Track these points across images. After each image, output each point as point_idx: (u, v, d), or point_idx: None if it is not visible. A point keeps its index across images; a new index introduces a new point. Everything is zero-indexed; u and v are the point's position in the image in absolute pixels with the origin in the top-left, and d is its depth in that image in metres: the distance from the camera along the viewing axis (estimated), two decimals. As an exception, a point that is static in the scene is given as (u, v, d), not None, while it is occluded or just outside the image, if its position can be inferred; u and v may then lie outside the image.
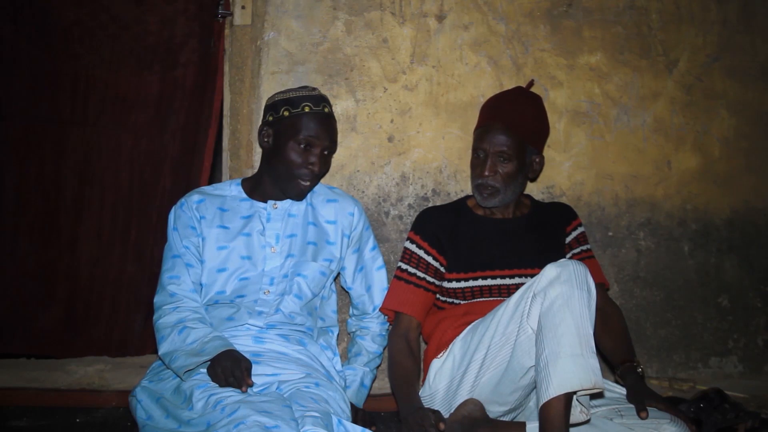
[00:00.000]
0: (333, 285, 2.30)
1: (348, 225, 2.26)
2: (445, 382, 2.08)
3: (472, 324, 2.08)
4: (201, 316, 2.04)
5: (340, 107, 2.60)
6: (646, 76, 2.81)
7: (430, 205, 2.62)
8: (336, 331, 2.27)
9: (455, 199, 2.48)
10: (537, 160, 2.25)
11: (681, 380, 2.73)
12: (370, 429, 1.95)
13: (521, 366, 1.90)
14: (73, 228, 2.92)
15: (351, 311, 2.37)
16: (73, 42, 2.87)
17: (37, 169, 2.90)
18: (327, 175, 2.48)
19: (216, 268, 2.11)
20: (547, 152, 2.60)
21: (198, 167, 2.82)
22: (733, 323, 2.87)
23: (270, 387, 1.93)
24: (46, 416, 2.31)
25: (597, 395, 1.90)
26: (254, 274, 2.12)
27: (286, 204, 2.21)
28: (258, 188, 2.22)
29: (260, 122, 2.26)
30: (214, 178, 3.19)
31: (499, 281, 2.18)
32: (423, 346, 2.38)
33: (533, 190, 2.70)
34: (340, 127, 2.39)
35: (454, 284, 2.20)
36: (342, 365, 2.22)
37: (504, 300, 2.00)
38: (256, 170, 2.35)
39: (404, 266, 2.23)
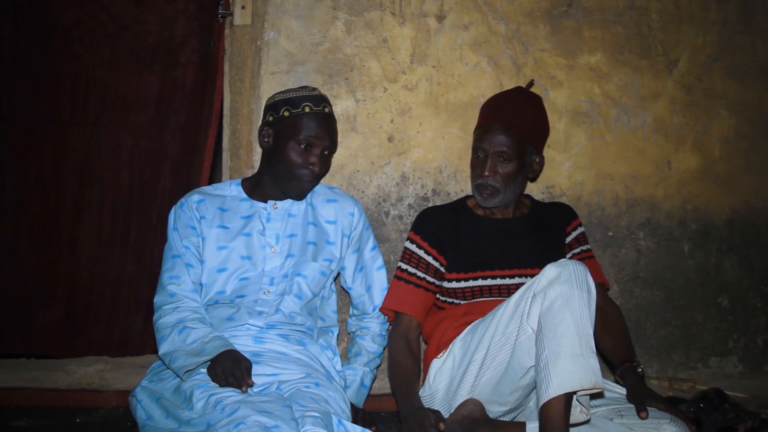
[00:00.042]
0: (333, 285, 2.30)
1: (348, 225, 2.26)
2: (445, 382, 2.08)
3: (472, 324, 2.08)
4: (201, 316, 2.04)
5: (340, 107, 2.60)
6: (646, 76, 2.81)
7: (430, 205, 2.62)
8: (336, 331, 2.27)
9: (455, 199, 2.48)
10: (537, 160, 2.25)
11: (681, 380, 2.73)
12: (370, 429, 1.96)
13: (521, 366, 1.90)
14: (73, 228, 2.92)
15: (351, 311, 2.37)
16: (73, 42, 2.87)
17: (37, 169, 2.90)
18: (327, 175, 2.48)
19: (216, 268, 2.11)
20: (547, 152, 2.60)
21: (198, 167, 2.82)
22: (733, 323, 2.87)
23: (270, 387, 1.93)
24: (46, 416, 2.31)
25: (597, 395, 1.90)
26: (254, 274, 2.12)
27: (286, 204, 2.21)
28: (258, 188, 2.21)
29: (260, 122, 2.26)
30: (214, 178, 3.18)
31: (499, 281, 2.18)
32: (423, 346, 2.38)
33: (533, 190, 2.70)
34: (340, 127, 2.39)
35: (454, 284, 2.20)
36: (342, 365, 2.22)
37: (504, 300, 2.00)
38: (256, 170, 2.35)
39: (404, 266, 2.23)
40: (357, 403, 2.22)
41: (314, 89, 2.20)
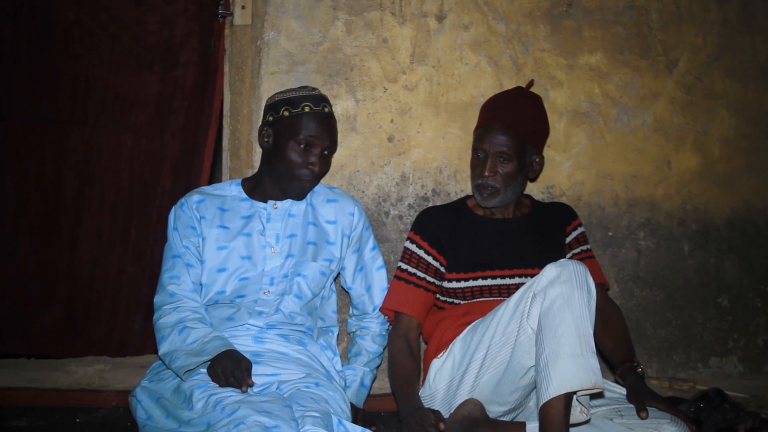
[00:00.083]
0: (333, 285, 2.30)
1: (348, 225, 2.26)
2: (445, 382, 2.08)
3: (472, 324, 2.08)
4: (201, 316, 2.04)
5: (340, 107, 2.60)
6: (646, 76, 2.81)
7: (430, 205, 2.62)
8: (336, 331, 2.27)
9: (455, 199, 2.48)
10: (537, 160, 2.25)
11: (681, 380, 2.73)
12: (370, 429, 1.95)
13: (521, 366, 1.90)
14: (73, 228, 2.91)
15: (351, 311, 2.37)
16: (73, 42, 2.87)
17: (37, 169, 2.90)
18: (327, 175, 2.48)
19: (216, 268, 2.11)
20: (547, 152, 2.60)
21: (198, 167, 2.82)
22: (733, 323, 2.87)
23: (270, 387, 1.93)
24: (46, 416, 2.31)
25: (597, 395, 1.90)
26: (254, 274, 2.12)
27: (286, 204, 2.21)
28: (258, 188, 2.21)
29: (260, 122, 2.25)
30: (214, 178, 3.18)
31: (499, 281, 2.18)
32: (423, 346, 2.38)
33: (533, 190, 2.70)
34: (340, 127, 2.39)
35: (454, 284, 2.20)
36: (342, 365, 2.22)
37: (504, 300, 2.00)
38: (256, 170, 2.35)
39: (404, 266, 2.23)
40: (357, 403, 2.22)
41: (314, 89, 2.20)
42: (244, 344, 2.03)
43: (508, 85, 2.64)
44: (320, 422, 1.70)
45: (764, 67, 2.92)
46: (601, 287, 2.24)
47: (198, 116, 2.86)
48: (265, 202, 2.20)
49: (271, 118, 2.17)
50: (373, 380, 2.32)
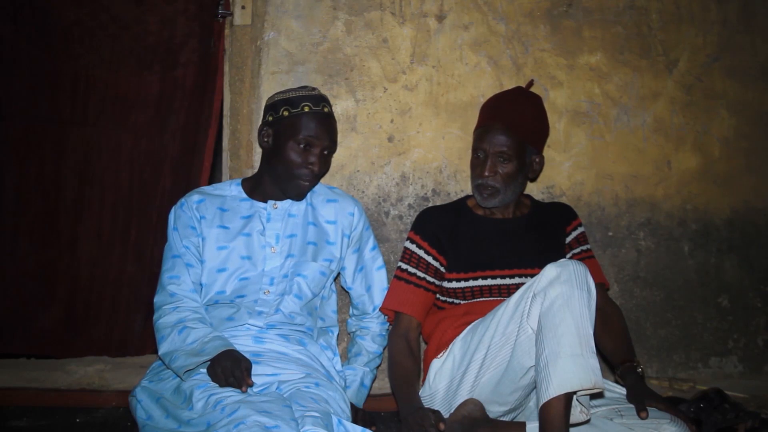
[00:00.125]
0: (333, 285, 2.30)
1: (348, 225, 2.26)
2: (445, 382, 2.08)
3: (472, 324, 2.08)
4: (201, 316, 2.04)
5: (340, 107, 2.60)
6: (646, 76, 2.81)
7: (430, 205, 2.62)
8: (336, 331, 2.27)
9: (455, 199, 2.48)
10: (537, 160, 2.25)
11: (681, 380, 2.73)
12: (370, 429, 1.95)
13: (521, 366, 1.90)
14: (73, 228, 2.92)
15: (351, 311, 2.37)
16: (73, 42, 2.87)
17: (37, 169, 2.90)
18: (327, 175, 2.48)
19: (216, 268, 2.11)
20: (547, 152, 2.60)
21: (198, 167, 2.82)
22: (733, 323, 2.87)
23: (270, 387, 1.93)
24: (46, 416, 2.31)
25: (597, 395, 1.90)
26: (254, 274, 2.12)
27: (286, 204, 2.21)
28: (258, 188, 2.21)
29: (260, 122, 2.25)
30: (214, 178, 3.18)
31: (499, 281, 2.18)
32: (423, 346, 2.38)
33: (533, 190, 2.70)
34: (340, 127, 2.39)
35: (454, 284, 2.20)
36: (342, 365, 2.22)
37: (504, 300, 2.00)
38: (256, 170, 2.35)
39: (404, 266, 2.23)
40: (357, 403, 2.22)
41: (314, 89, 2.20)
42: (244, 344, 2.03)
43: (508, 85, 2.64)
44: (320, 422, 1.70)
45: (764, 67, 2.92)
46: (601, 287, 2.24)
47: (198, 116, 2.86)
48: (265, 202, 2.20)
49: (270, 118, 2.17)
50: (373, 380, 2.32)
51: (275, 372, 1.96)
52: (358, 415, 2.14)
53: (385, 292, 2.28)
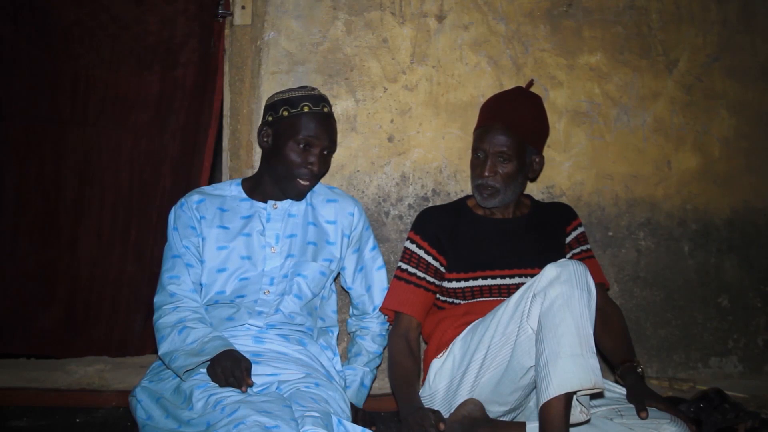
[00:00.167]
0: (333, 285, 2.30)
1: (348, 225, 2.26)
2: (445, 382, 2.08)
3: (472, 324, 2.08)
4: (201, 316, 2.04)
5: (340, 107, 2.60)
6: (646, 76, 2.81)
7: (430, 205, 2.62)
8: (336, 331, 2.27)
9: (455, 199, 2.48)
10: (537, 160, 2.25)
11: (681, 380, 2.73)
12: (370, 429, 1.95)
13: (521, 366, 1.90)
14: (73, 228, 2.91)
15: (351, 311, 2.37)
16: (73, 42, 2.87)
17: (37, 169, 2.90)
18: (327, 175, 2.48)
19: (216, 268, 2.11)
20: (547, 152, 2.60)
21: (198, 167, 2.82)
22: (733, 323, 2.87)
23: (270, 387, 1.93)
24: (46, 416, 2.31)
25: (597, 395, 1.90)
26: (254, 274, 2.12)
27: (286, 204, 2.20)
28: (258, 188, 2.21)
29: (260, 122, 2.25)
30: (214, 178, 3.18)
31: (499, 281, 2.18)
32: (423, 346, 2.38)
33: (533, 190, 2.70)
34: (340, 127, 2.39)
35: (454, 284, 2.20)
36: (342, 365, 2.22)
37: (504, 300, 2.00)
38: (256, 170, 2.35)
39: (404, 266, 2.23)
40: (357, 403, 2.22)
41: (313, 89, 2.20)
42: (244, 344, 2.03)
43: (508, 85, 2.64)
44: (320, 422, 1.70)
45: (764, 67, 2.92)
46: (601, 287, 2.24)
47: (198, 116, 2.86)
48: (265, 202, 2.20)
49: (270, 118, 2.17)
50: (373, 380, 2.32)
51: (275, 372, 1.96)
52: (358, 415, 2.14)
53: (385, 292, 2.28)
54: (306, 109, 2.13)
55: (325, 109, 2.16)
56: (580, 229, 2.32)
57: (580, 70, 2.76)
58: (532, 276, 2.07)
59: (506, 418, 2.06)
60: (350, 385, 2.22)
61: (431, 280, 2.21)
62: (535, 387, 1.81)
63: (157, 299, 2.09)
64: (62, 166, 2.91)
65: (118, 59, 2.89)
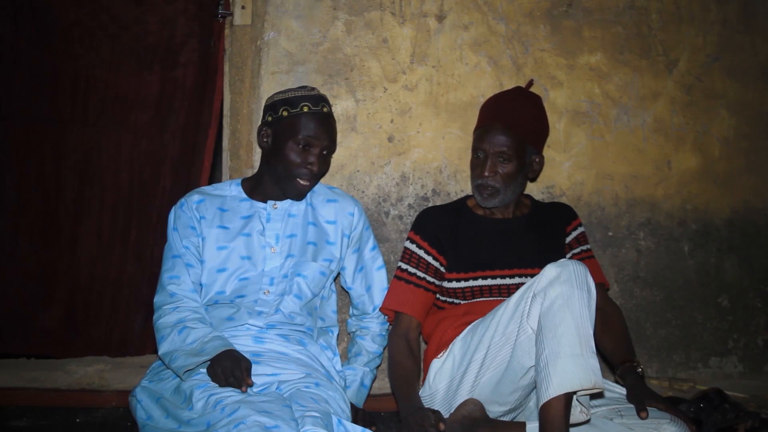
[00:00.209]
0: (333, 285, 2.30)
1: (348, 225, 2.26)
2: (445, 382, 2.08)
3: (472, 324, 2.08)
4: (201, 316, 2.04)
5: (340, 107, 2.60)
6: (646, 76, 2.81)
7: (430, 205, 2.62)
8: (336, 331, 2.27)
9: (455, 199, 2.48)
10: (537, 160, 2.25)
11: (681, 380, 2.73)
12: (370, 429, 1.95)
13: (521, 366, 1.90)
14: (73, 228, 2.91)
15: (351, 311, 2.37)
16: (73, 42, 2.87)
17: (37, 169, 2.90)
18: (327, 175, 2.48)
19: (216, 268, 2.11)
20: (547, 152, 2.60)
21: (198, 167, 2.82)
22: (733, 323, 2.87)
23: (270, 387, 1.93)
24: (46, 416, 2.31)
25: (597, 395, 1.90)
26: (254, 274, 2.12)
27: (286, 204, 2.20)
28: (258, 188, 2.21)
29: (260, 122, 2.25)
30: (214, 178, 3.18)
31: (499, 281, 2.18)
32: (423, 346, 2.38)
33: (533, 190, 2.70)
34: (340, 127, 2.39)
35: (454, 284, 2.20)
36: (342, 365, 2.22)
37: (504, 300, 2.00)
38: (256, 170, 2.35)
39: (404, 266, 2.23)
40: (357, 403, 2.22)
41: (313, 89, 2.20)
42: (244, 344, 2.03)
43: (508, 85, 2.64)
44: (320, 422, 1.70)
45: (764, 67, 2.92)
46: (601, 287, 2.24)
47: (198, 116, 2.86)
48: (265, 202, 2.20)
49: (270, 119, 2.17)
50: (373, 380, 2.32)
51: (275, 372, 1.96)
52: (358, 415, 2.14)
53: (385, 292, 2.28)
54: (305, 109, 2.13)
55: (325, 109, 2.16)
56: (580, 229, 2.32)
57: (580, 70, 2.76)
58: (532, 276, 2.07)
59: (506, 418, 2.06)
60: (350, 385, 2.22)
61: (431, 280, 2.21)
62: (535, 387, 1.81)
63: (157, 299, 2.09)
64: (62, 166, 2.91)
65: (118, 59, 2.89)
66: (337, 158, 2.52)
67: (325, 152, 2.17)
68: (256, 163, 2.51)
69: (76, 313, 2.91)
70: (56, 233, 2.91)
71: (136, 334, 2.89)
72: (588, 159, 2.76)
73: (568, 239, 2.29)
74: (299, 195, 2.18)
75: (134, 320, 2.91)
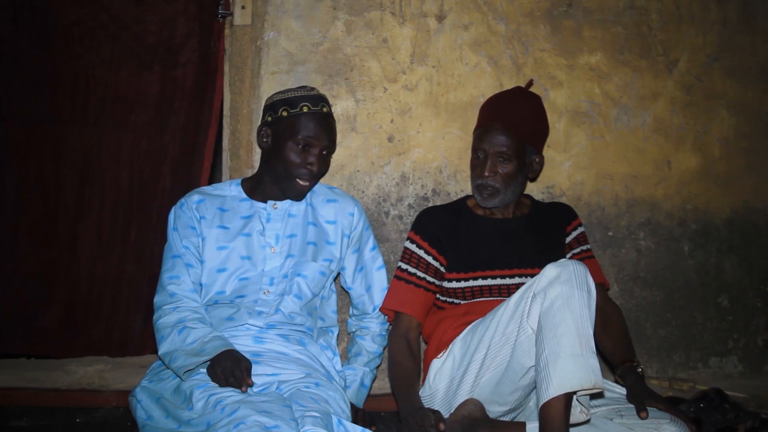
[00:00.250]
0: (333, 285, 2.30)
1: (348, 225, 2.26)
2: (445, 382, 2.08)
3: (472, 324, 2.08)
4: (201, 316, 2.04)
5: (340, 107, 2.60)
6: (646, 76, 2.81)
7: (430, 205, 2.62)
8: (336, 331, 2.27)
9: (455, 199, 2.48)
10: (537, 160, 2.25)
11: (681, 380, 2.73)
12: (370, 429, 1.96)
13: (521, 366, 1.90)
14: (73, 228, 2.91)
15: (351, 311, 2.37)
16: (73, 42, 2.86)
17: (37, 169, 2.90)
18: (327, 175, 2.48)
19: (216, 268, 2.11)
20: (547, 152, 2.60)
21: (198, 167, 2.82)
22: (733, 323, 2.87)
23: (270, 387, 1.93)
24: (46, 416, 2.31)
25: (597, 395, 1.90)
26: (254, 274, 2.12)
27: (286, 204, 2.21)
28: (258, 188, 2.21)
29: (259, 122, 2.25)
30: (214, 178, 3.18)
31: (499, 281, 2.18)
32: (423, 346, 2.38)
33: (533, 190, 2.70)
34: (340, 127, 2.39)
35: (454, 284, 2.20)
36: (342, 365, 2.22)
37: (504, 300, 2.00)
38: (256, 170, 2.35)
39: (404, 266, 2.23)
40: (357, 403, 2.22)
41: (313, 89, 2.20)
42: (244, 344, 2.03)
43: (508, 85, 2.64)
44: (320, 422, 1.70)
45: (764, 67, 2.92)
46: (601, 287, 2.24)
47: (198, 116, 2.86)
48: (265, 202, 2.20)
49: (269, 119, 2.17)
50: (373, 380, 2.32)
51: (275, 372, 1.96)
52: (358, 415, 2.14)
53: (385, 292, 2.28)
54: (305, 110, 2.13)
55: (324, 109, 2.16)
56: (580, 229, 2.32)
57: (580, 70, 2.76)
58: (532, 276, 2.07)
59: (506, 418, 2.06)
60: (350, 385, 2.22)
61: (431, 280, 2.21)
62: (535, 387, 1.81)
63: (157, 299, 2.09)
64: (62, 166, 2.90)
65: (118, 59, 2.89)
66: (337, 158, 2.52)
67: (324, 152, 2.17)
68: (256, 163, 2.51)
69: (76, 313, 2.90)
70: (56, 233, 2.91)
71: (136, 334, 2.89)
72: (588, 159, 2.76)
73: (568, 239, 2.29)
74: (299, 195, 2.18)
75: (134, 320, 2.91)
